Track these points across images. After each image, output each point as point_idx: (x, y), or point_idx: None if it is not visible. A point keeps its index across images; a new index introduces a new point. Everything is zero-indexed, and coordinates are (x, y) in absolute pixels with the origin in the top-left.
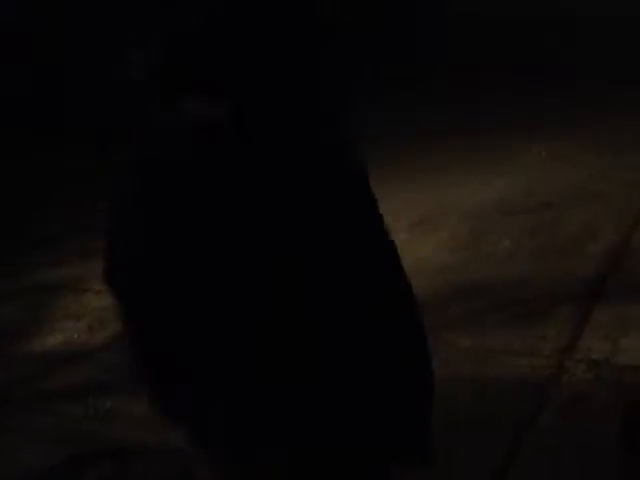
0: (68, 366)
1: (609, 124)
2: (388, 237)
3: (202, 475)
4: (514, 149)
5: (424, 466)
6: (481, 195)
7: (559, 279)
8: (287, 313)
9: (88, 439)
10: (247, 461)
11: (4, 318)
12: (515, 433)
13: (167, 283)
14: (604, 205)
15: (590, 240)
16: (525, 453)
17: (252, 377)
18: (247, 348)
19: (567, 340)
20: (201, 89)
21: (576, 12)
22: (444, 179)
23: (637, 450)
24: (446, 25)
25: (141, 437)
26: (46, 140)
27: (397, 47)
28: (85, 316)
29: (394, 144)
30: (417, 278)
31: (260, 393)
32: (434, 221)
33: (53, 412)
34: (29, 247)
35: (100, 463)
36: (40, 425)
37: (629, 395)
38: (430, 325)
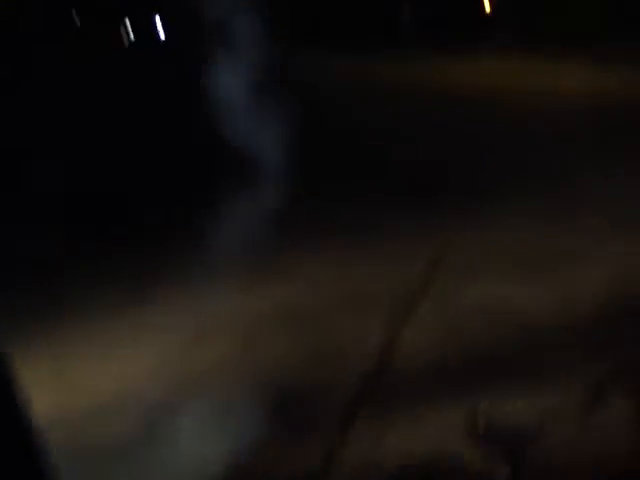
0: None
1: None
2: None
3: None
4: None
5: None
6: (254, 302)
7: (331, 383)
8: None
9: None
10: None
11: None
12: None
13: None
14: (373, 309)
15: (360, 343)
16: None
17: None
18: None
19: None
20: None
21: None
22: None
23: None
24: None
25: None
26: None
27: None
28: None
29: None
30: None
31: None
32: (210, 330)
33: None
34: None
35: None
36: None
37: None
38: None
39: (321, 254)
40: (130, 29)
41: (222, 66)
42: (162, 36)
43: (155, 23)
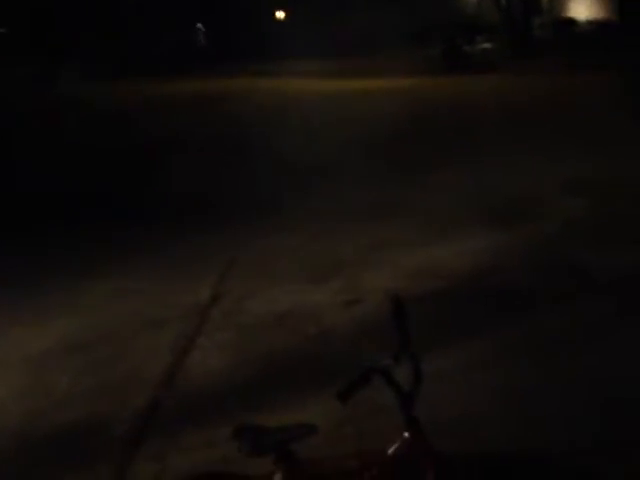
0: None
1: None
2: None
3: None
4: (79, 288)
5: None
6: (43, 336)
7: (115, 412)
8: None
9: None
10: None
11: None
12: None
13: None
14: (161, 331)
15: (147, 367)
16: None
17: None
18: None
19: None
20: None
21: None
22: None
23: None
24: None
25: None
26: None
27: None
28: None
29: None
30: None
31: None
32: None
33: None
34: None
35: None
36: None
37: None
38: None
39: (105, 280)
40: None
41: None
42: None
43: None
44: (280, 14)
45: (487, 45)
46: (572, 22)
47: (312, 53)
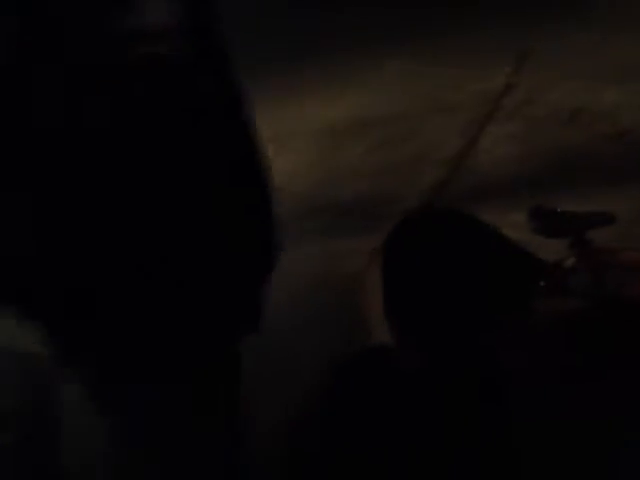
0: None
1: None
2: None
3: None
4: (367, 64)
5: None
6: (332, 111)
7: (404, 187)
8: None
9: None
10: None
11: None
12: None
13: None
14: (452, 115)
15: (437, 149)
16: None
17: None
18: None
19: None
20: None
21: None
22: (297, 96)
23: None
24: None
25: None
26: None
27: None
28: None
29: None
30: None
31: None
32: (288, 137)
33: None
34: None
35: None
36: None
37: None
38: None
39: (396, 59)
40: None
41: None
42: None
43: None
44: None
45: None
46: None
47: None
